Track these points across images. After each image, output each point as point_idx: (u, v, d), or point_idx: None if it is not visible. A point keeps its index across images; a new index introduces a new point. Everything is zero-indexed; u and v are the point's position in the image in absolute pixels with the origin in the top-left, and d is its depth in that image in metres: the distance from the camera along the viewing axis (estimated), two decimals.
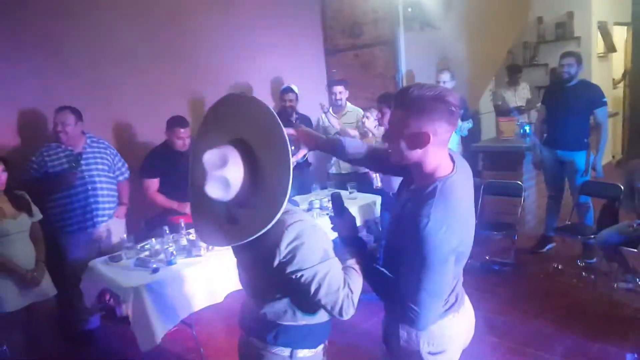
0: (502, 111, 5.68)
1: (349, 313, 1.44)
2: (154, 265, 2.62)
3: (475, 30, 5.04)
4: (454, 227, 1.29)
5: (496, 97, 5.83)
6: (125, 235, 2.95)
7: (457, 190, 1.35)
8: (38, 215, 2.90)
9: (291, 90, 4.45)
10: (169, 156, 3.43)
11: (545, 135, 4.18)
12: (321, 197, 3.64)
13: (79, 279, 2.92)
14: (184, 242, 2.93)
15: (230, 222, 1.37)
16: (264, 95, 4.81)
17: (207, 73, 4.36)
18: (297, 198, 3.83)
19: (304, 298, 1.41)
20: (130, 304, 2.46)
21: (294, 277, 1.37)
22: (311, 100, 4.63)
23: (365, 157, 1.71)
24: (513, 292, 3.69)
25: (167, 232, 2.93)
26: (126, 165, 3.53)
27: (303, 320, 1.49)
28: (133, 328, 2.48)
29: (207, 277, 2.70)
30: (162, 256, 2.75)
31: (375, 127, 3.86)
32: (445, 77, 4.61)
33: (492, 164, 4.82)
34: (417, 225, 1.27)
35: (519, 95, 5.78)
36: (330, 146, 1.69)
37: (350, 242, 1.57)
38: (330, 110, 4.48)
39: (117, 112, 3.91)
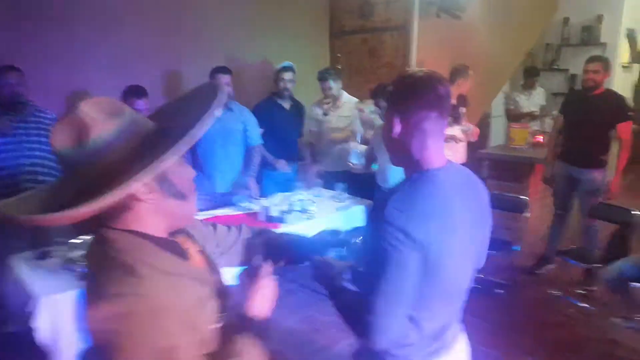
0: (513, 116, 5.29)
1: None
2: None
3: (497, 25, 4.62)
4: (417, 221, 1.13)
5: (508, 100, 5.42)
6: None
7: (436, 187, 1.20)
8: None
9: (290, 69, 3.90)
10: None
11: (559, 147, 3.81)
12: (305, 198, 3.28)
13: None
14: None
15: None
16: (257, 76, 4.41)
17: (194, 46, 3.97)
18: (278, 196, 3.47)
19: None
20: (39, 317, 2.02)
21: None
22: (311, 86, 4.23)
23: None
24: (506, 319, 3.35)
25: None
26: None
27: None
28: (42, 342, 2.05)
29: None
30: None
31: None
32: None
33: (498, 174, 4.47)
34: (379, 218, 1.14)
35: (533, 100, 5.37)
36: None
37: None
38: (324, 100, 4.07)
39: (80, 79, 3.41)
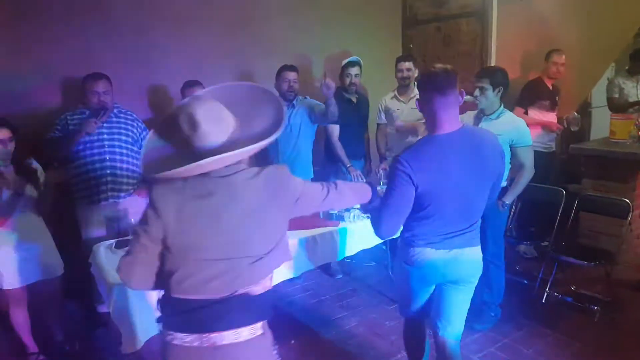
0: (617, 106, 4.60)
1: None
2: None
3: (594, 4, 4.03)
4: (417, 171, 1.79)
5: (612, 87, 4.71)
6: (133, 220, 2.57)
7: (435, 147, 1.84)
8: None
9: (357, 63, 3.72)
10: None
11: None
12: None
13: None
14: None
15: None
16: (329, 68, 4.24)
17: (260, 44, 3.94)
18: None
19: None
20: (112, 302, 2.13)
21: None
22: (381, 80, 3.99)
23: None
24: (600, 340, 2.88)
25: None
26: None
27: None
28: (117, 326, 2.17)
29: None
30: None
31: None
32: (562, 59, 3.93)
33: (597, 172, 3.88)
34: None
35: None
36: None
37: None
38: (396, 92, 3.82)
39: (157, 81, 3.60)
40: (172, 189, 1.37)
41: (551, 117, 3.98)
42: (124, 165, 3.03)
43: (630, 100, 4.57)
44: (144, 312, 2.13)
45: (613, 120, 4.10)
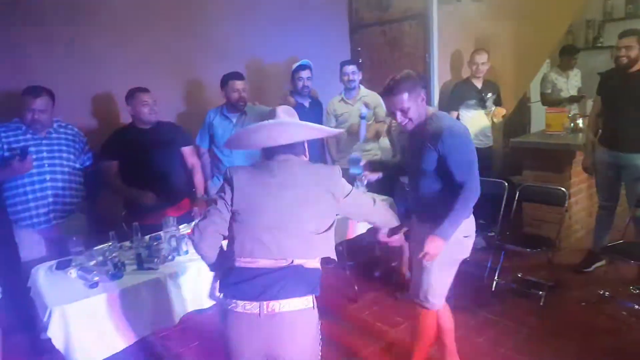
0: (550, 101, 4.88)
1: None
2: (95, 279, 2.20)
3: (527, 3, 4.26)
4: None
5: (545, 83, 4.99)
6: (74, 238, 2.48)
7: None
8: None
9: (308, 66, 3.78)
10: (133, 136, 3.05)
11: (600, 132, 3.45)
12: None
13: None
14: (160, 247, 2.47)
15: None
16: (276, 75, 4.28)
17: (208, 48, 3.89)
18: None
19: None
20: (53, 327, 2.01)
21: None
22: (333, 84, 4.05)
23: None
24: (546, 324, 3.05)
25: (113, 236, 2.48)
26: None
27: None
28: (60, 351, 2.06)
29: (160, 295, 2.26)
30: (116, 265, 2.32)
31: None
32: (483, 58, 3.99)
33: (535, 164, 4.10)
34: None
35: (572, 82, 4.94)
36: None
37: None
38: (343, 95, 3.90)
39: (101, 91, 3.49)
40: (243, 169, 1.74)
41: (481, 116, 4.13)
42: (66, 185, 2.89)
43: (562, 94, 4.87)
44: (85, 335, 2.05)
45: (548, 114, 4.35)
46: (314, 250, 1.71)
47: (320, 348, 1.78)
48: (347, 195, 1.84)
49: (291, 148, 1.74)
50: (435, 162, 2.09)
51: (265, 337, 1.63)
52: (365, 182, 2.88)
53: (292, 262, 1.66)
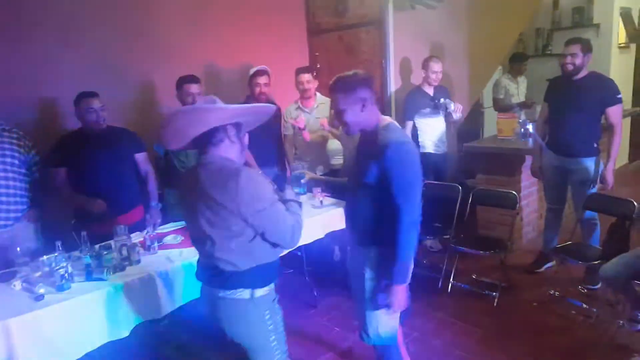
0: (502, 106, 5.04)
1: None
2: (41, 291, 2.11)
3: (480, 12, 4.39)
4: None
5: (497, 88, 5.16)
6: (19, 249, 2.38)
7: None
8: None
9: (266, 72, 3.70)
10: (81, 142, 2.94)
11: (546, 137, 3.58)
12: None
13: None
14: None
15: None
16: (233, 80, 4.23)
17: (161, 51, 3.80)
18: None
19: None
20: None
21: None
22: (291, 89, 4.03)
23: None
24: (499, 324, 3.13)
25: (59, 247, 2.38)
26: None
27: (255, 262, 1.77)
28: None
29: (110, 306, 2.18)
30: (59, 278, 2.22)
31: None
32: (439, 66, 4.01)
33: (488, 168, 4.23)
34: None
35: (521, 88, 5.13)
36: None
37: None
38: (300, 103, 3.89)
39: (47, 94, 3.35)
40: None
41: (438, 122, 4.14)
42: (11, 191, 2.77)
43: (514, 99, 5.04)
44: (30, 351, 1.95)
45: (499, 119, 4.49)
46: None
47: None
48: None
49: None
50: (376, 176, 1.90)
51: None
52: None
53: None
